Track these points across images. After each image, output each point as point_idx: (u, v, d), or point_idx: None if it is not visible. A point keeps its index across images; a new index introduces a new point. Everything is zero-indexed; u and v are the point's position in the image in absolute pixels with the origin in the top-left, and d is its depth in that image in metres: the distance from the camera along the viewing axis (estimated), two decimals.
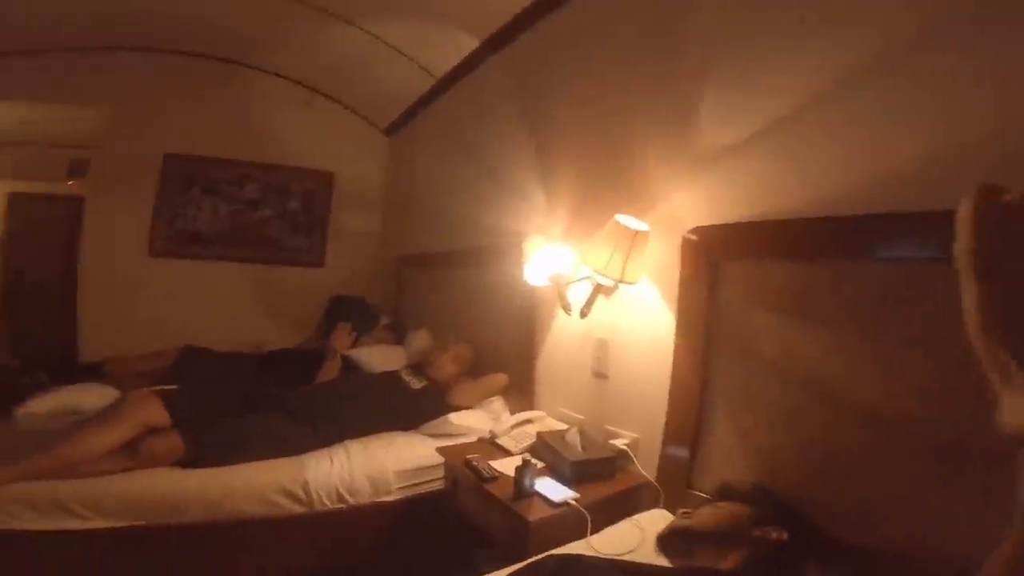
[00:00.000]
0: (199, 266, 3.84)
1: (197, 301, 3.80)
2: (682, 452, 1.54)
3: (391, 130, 4.22)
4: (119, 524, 1.65)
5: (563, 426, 1.90)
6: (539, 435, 1.79)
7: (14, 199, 4.73)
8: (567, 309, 2.10)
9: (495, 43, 2.72)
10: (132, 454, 1.78)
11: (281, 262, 4.10)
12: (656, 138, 1.77)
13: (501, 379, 2.44)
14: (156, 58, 3.57)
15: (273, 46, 3.49)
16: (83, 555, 1.62)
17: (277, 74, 3.90)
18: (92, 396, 2.21)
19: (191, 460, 1.85)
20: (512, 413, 2.19)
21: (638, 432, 1.73)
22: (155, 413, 1.90)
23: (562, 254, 1.99)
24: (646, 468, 1.65)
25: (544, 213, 2.36)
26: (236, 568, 1.80)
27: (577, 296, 2.03)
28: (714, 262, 1.49)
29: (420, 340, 3.06)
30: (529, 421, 1.96)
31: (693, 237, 1.55)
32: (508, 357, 2.47)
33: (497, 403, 2.38)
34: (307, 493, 1.85)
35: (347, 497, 1.90)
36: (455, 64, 3.04)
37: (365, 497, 1.92)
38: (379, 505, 1.94)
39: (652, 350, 1.69)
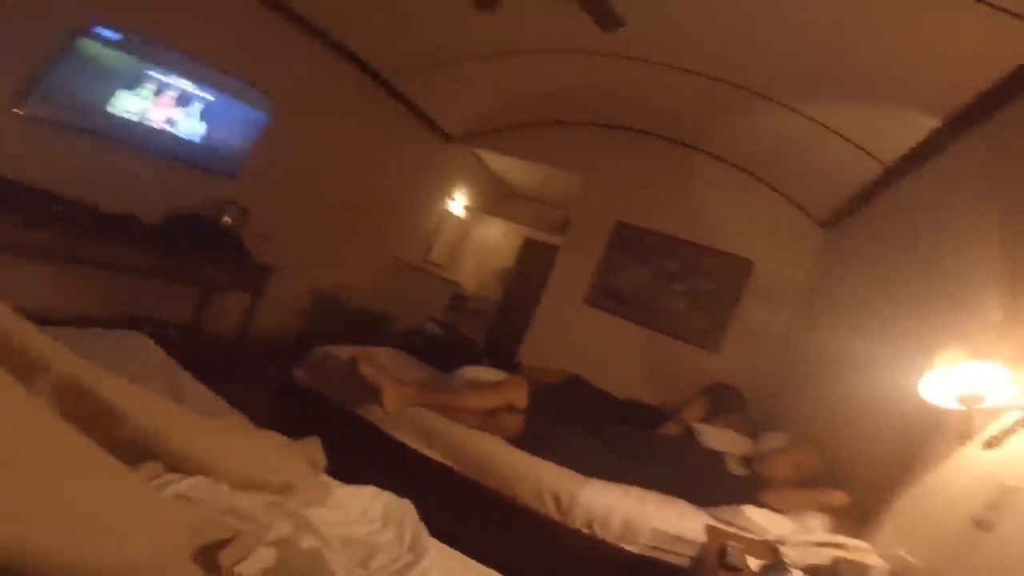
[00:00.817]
0: (611, 320, 4.49)
1: (599, 345, 4.44)
2: None
3: (826, 223, 3.89)
4: (447, 462, 2.15)
5: (882, 565, 1.39)
6: (836, 559, 1.38)
7: (526, 243, 6.78)
8: (965, 437, 1.54)
9: (963, 122, 2.22)
10: (489, 419, 2.32)
11: (678, 336, 4.31)
12: None
13: (838, 497, 1.95)
14: (618, 135, 4.52)
15: (713, 130, 3.83)
16: (420, 476, 2.14)
17: (715, 156, 4.23)
18: (495, 377, 2.95)
19: (519, 441, 2.25)
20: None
21: None
22: (520, 397, 2.40)
23: (988, 374, 1.47)
24: None
25: (993, 331, 1.76)
26: (493, 537, 2.00)
27: (990, 427, 1.46)
28: None
29: (774, 441, 2.70)
30: (841, 547, 1.51)
31: None
32: (860, 475, 1.98)
33: (816, 520, 1.92)
34: (570, 506, 1.96)
35: (595, 526, 1.92)
36: (908, 149, 2.61)
37: (611, 536, 1.91)
38: (618, 550, 1.89)
39: None
